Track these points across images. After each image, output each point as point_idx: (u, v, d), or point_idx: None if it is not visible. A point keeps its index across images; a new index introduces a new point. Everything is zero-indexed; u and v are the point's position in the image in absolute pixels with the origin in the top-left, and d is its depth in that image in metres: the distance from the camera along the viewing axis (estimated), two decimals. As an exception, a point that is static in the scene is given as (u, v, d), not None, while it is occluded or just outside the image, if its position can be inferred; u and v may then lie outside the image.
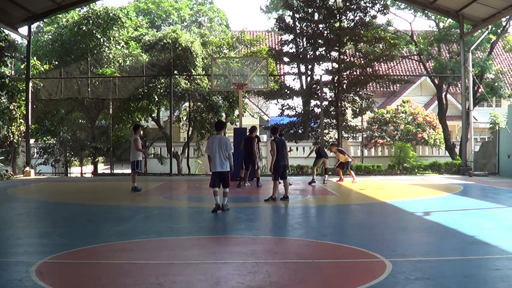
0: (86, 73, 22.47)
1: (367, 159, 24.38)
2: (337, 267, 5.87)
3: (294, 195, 12.93)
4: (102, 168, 25.46)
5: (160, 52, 22.36)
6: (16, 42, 22.85)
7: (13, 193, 14.25)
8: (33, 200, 13.10)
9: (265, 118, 30.89)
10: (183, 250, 6.75)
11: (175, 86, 21.57)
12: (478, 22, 20.80)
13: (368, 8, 22.28)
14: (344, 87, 22.84)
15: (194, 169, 23.35)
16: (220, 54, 24.61)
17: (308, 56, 23.59)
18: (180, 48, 22.04)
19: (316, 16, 23.57)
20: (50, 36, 24.31)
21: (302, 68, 24.85)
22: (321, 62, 24.19)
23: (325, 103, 22.76)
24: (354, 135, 24.31)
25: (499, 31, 24.11)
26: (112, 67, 22.82)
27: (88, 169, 23.68)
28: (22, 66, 22.43)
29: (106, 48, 23.24)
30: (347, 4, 22.15)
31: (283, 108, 24.12)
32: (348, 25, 22.77)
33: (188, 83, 22.23)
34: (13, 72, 21.49)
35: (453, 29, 24.29)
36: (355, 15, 22.56)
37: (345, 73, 23.04)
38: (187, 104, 23.26)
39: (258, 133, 16.98)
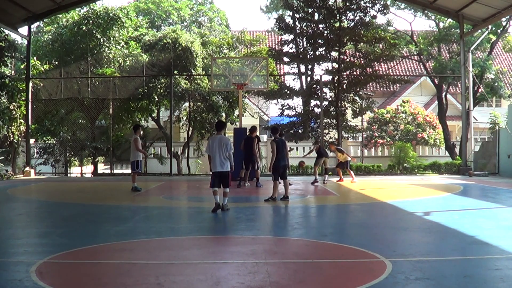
0: (86, 73, 22.46)
1: (367, 159, 24.38)
2: (337, 267, 5.87)
3: (294, 195, 12.93)
4: (102, 168, 25.46)
5: (160, 52, 22.36)
6: (16, 42, 22.86)
7: (13, 193, 14.25)
8: (33, 200, 13.10)
9: (265, 118, 30.89)
10: (183, 250, 6.75)
11: (175, 86, 21.57)
12: (478, 22, 20.80)
13: (368, 8, 22.29)
14: (344, 87, 22.84)
15: (194, 169, 23.35)
16: (220, 54, 24.61)
17: (308, 56, 23.58)
18: (180, 48, 22.04)
19: (316, 16, 23.57)
20: (50, 36, 24.31)
21: (302, 68, 24.85)
22: (321, 62, 24.19)
23: (325, 103, 22.76)
24: (354, 135, 24.31)
25: (499, 31, 24.12)
26: (112, 67, 22.82)
27: (88, 169, 23.68)
28: (22, 66, 22.43)
29: (106, 48, 23.24)
30: (347, 4, 22.15)
31: (283, 108, 24.11)
32: (348, 25, 22.77)
33: (188, 83, 22.23)
34: (13, 72, 21.50)
35: (453, 29, 24.30)
36: (355, 15, 22.56)
37: (345, 73, 23.05)
38: (187, 104, 23.26)
39: (258, 133, 16.98)
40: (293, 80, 26.86)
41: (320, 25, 23.22)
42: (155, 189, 15.46)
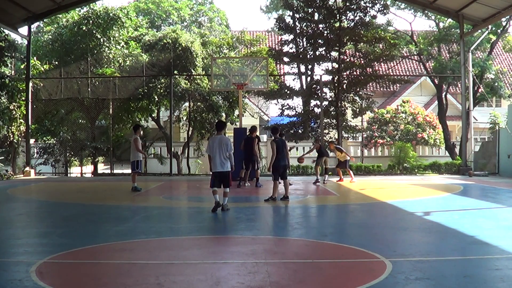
0: (86, 73, 22.46)
1: (367, 159, 24.38)
2: (337, 267, 5.87)
3: (294, 195, 12.93)
4: (102, 168, 25.46)
5: (160, 52, 22.36)
6: (16, 42, 22.85)
7: (13, 193, 14.25)
8: (33, 200, 13.10)
9: (265, 118, 30.89)
10: (183, 250, 6.75)
11: (175, 86, 21.57)
12: (478, 22, 20.80)
13: (368, 8, 22.30)
14: (344, 87, 22.85)
15: (194, 169, 23.35)
16: (220, 54, 24.61)
17: (308, 56, 23.59)
18: (180, 48, 22.04)
19: (316, 16, 23.58)
20: (50, 36, 24.30)
21: (302, 68, 24.85)
22: (321, 62, 24.20)
23: (325, 103, 22.76)
24: (354, 135, 24.32)
25: (499, 31, 24.11)
26: (112, 67, 22.81)
27: (88, 169, 23.68)
28: (22, 66, 22.43)
29: (106, 48, 23.24)
30: (347, 4, 22.16)
31: (283, 108, 24.11)
32: (348, 25, 22.77)
33: (188, 83, 22.23)
34: (13, 72, 21.50)
35: (453, 29, 24.30)
36: (355, 15, 22.57)
37: (345, 73, 23.05)
38: (187, 104, 23.26)
39: (258, 133, 16.98)
40: (293, 80, 26.89)
41: (320, 25, 23.23)
42: (155, 189, 15.46)
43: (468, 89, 21.56)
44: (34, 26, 26.13)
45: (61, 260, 6.07)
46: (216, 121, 15.18)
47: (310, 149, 17.99)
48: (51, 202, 12.60)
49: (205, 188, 13.09)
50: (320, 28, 23.16)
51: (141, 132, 14.97)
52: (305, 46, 23.94)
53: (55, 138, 22.64)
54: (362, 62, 23.08)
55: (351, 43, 23.05)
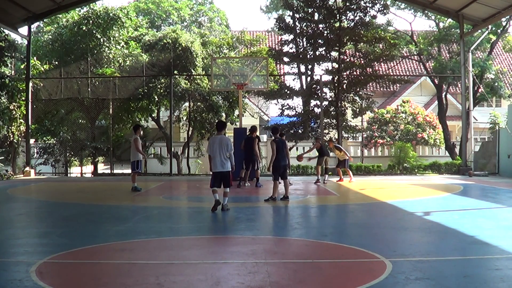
0: (86, 73, 22.46)
1: (367, 159, 24.39)
2: (337, 267, 5.87)
3: (294, 195, 12.93)
4: (102, 168, 25.46)
5: (160, 52, 22.36)
6: (16, 42, 22.85)
7: (13, 193, 14.26)
8: (33, 200, 13.10)
9: (265, 118, 30.89)
10: (183, 250, 6.75)
11: (175, 86, 21.57)
12: (478, 22, 20.80)
13: (368, 8, 22.28)
14: (344, 87, 22.84)
15: (194, 169, 23.35)
16: (220, 54, 24.61)
17: (308, 56, 23.57)
18: (180, 48, 22.04)
19: (316, 16, 23.56)
20: (50, 36, 24.29)
21: (302, 68, 24.83)
22: (321, 62, 24.17)
23: (325, 103, 22.76)
24: (354, 135, 24.31)
25: (499, 31, 24.12)
26: (112, 67, 22.81)
27: (88, 169, 23.69)
28: (22, 66, 22.43)
29: (106, 48, 23.23)
30: (347, 4, 22.15)
31: (283, 108, 24.09)
32: (348, 25, 22.76)
33: (188, 83, 22.23)
34: (13, 72, 21.49)
35: (453, 29, 24.30)
36: (355, 15, 22.56)
37: (345, 73, 23.04)
38: (187, 104, 23.26)
39: (258, 133, 16.98)
40: (293, 80, 26.86)
41: (320, 25, 23.21)
42: (155, 189, 15.46)
43: (468, 89, 21.56)
44: (34, 26, 26.14)
45: (61, 260, 6.07)
46: (216, 121, 15.19)
47: (310, 148, 17.98)
48: (51, 202, 12.60)
49: (205, 188, 13.09)
50: (320, 28, 23.15)
51: (141, 132, 14.97)
52: (305, 46, 23.92)
53: (55, 138, 22.64)
54: (362, 62, 23.07)
55: (351, 43, 23.05)
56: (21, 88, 21.01)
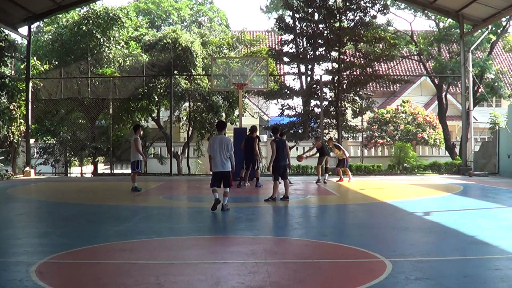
0: (86, 73, 22.46)
1: (367, 159, 24.39)
2: (337, 267, 5.87)
3: (294, 195, 12.93)
4: (102, 168, 25.46)
5: (160, 52, 22.36)
6: (16, 42, 22.86)
7: (13, 193, 14.25)
8: (33, 200, 13.09)
9: (265, 118, 30.89)
10: (183, 250, 6.75)
11: (175, 86, 21.57)
12: (478, 22, 20.80)
13: (368, 8, 22.30)
14: (344, 87, 22.84)
15: (194, 169, 23.35)
16: (220, 54, 24.61)
17: (308, 56, 23.58)
18: (180, 48, 22.04)
19: (316, 16, 23.57)
20: (50, 36, 24.29)
21: (302, 68, 24.84)
22: (321, 62, 24.19)
23: (325, 103, 22.76)
24: (354, 135, 24.32)
25: (499, 31, 24.12)
26: (112, 67, 22.81)
27: (88, 169, 23.69)
28: (22, 66, 22.43)
29: (106, 48, 23.23)
30: (347, 4, 22.16)
31: (283, 108, 24.11)
32: (348, 25, 22.77)
33: (188, 83, 22.23)
34: (13, 72, 21.49)
35: (453, 29, 24.30)
36: (355, 15, 22.57)
37: (345, 73, 23.05)
38: (187, 104, 23.26)
39: (258, 133, 16.98)
40: (293, 80, 26.87)
41: (320, 25, 23.22)
42: (155, 189, 15.46)
43: (468, 89, 21.56)
44: (34, 26, 26.13)
45: (61, 260, 6.07)
46: (217, 121, 15.19)
47: (310, 147, 17.98)
48: (51, 202, 12.60)
49: (205, 188, 13.09)
50: (320, 28, 23.15)
51: (141, 132, 14.96)
52: (305, 46, 23.93)
53: (55, 138, 22.63)
54: (362, 62, 23.08)
55: (351, 43, 23.05)
56: (21, 88, 21.01)
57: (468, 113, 22.03)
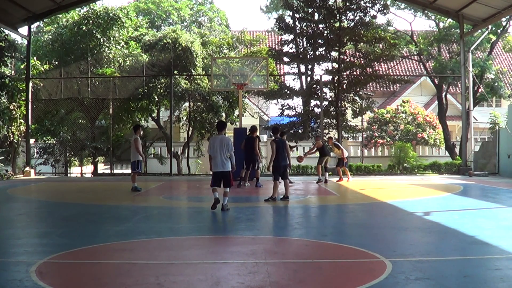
0: (86, 73, 22.46)
1: (367, 159, 24.39)
2: (337, 267, 5.87)
3: (294, 195, 12.93)
4: (102, 168, 25.46)
5: (160, 52, 22.35)
6: (16, 42, 22.86)
7: (13, 193, 14.25)
8: (33, 200, 13.09)
9: (265, 118, 30.89)
10: (183, 250, 6.75)
11: (175, 86, 21.57)
12: (478, 22, 20.80)
13: (368, 8, 22.30)
14: (344, 87, 22.85)
15: (194, 169, 23.35)
16: (220, 54, 24.61)
17: (308, 56, 23.59)
18: (180, 48, 22.03)
19: (316, 16, 23.58)
20: (50, 36, 24.29)
21: (302, 68, 24.85)
22: (321, 62, 24.19)
23: (325, 103, 22.76)
24: (354, 135, 24.32)
25: (499, 31, 24.12)
26: (112, 67, 22.81)
27: (88, 169, 23.68)
28: (22, 66, 22.42)
29: (106, 48, 23.23)
30: (347, 4, 22.16)
31: (283, 108, 24.11)
32: (348, 25, 22.77)
33: (188, 83, 22.23)
34: (13, 72, 21.49)
35: (453, 29, 24.30)
36: (355, 15, 22.57)
37: (345, 73, 23.05)
38: (187, 104, 23.26)
39: (258, 133, 16.98)
40: (293, 80, 26.88)
41: (320, 25, 23.23)
42: (155, 189, 15.46)
43: (468, 89, 21.56)
44: (34, 26, 26.13)
45: (61, 260, 6.07)
46: (217, 121, 15.19)
47: (311, 148, 17.97)
48: (51, 202, 12.60)
49: (205, 188, 13.10)
50: (320, 28, 23.16)
51: (141, 132, 14.96)
52: (305, 46, 23.94)
53: (55, 138, 22.62)
54: (362, 62, 23.08)
55: (351, 43, 23.06)
56: (21, 88, 21.01)
57: (468, 113, 22.03)
